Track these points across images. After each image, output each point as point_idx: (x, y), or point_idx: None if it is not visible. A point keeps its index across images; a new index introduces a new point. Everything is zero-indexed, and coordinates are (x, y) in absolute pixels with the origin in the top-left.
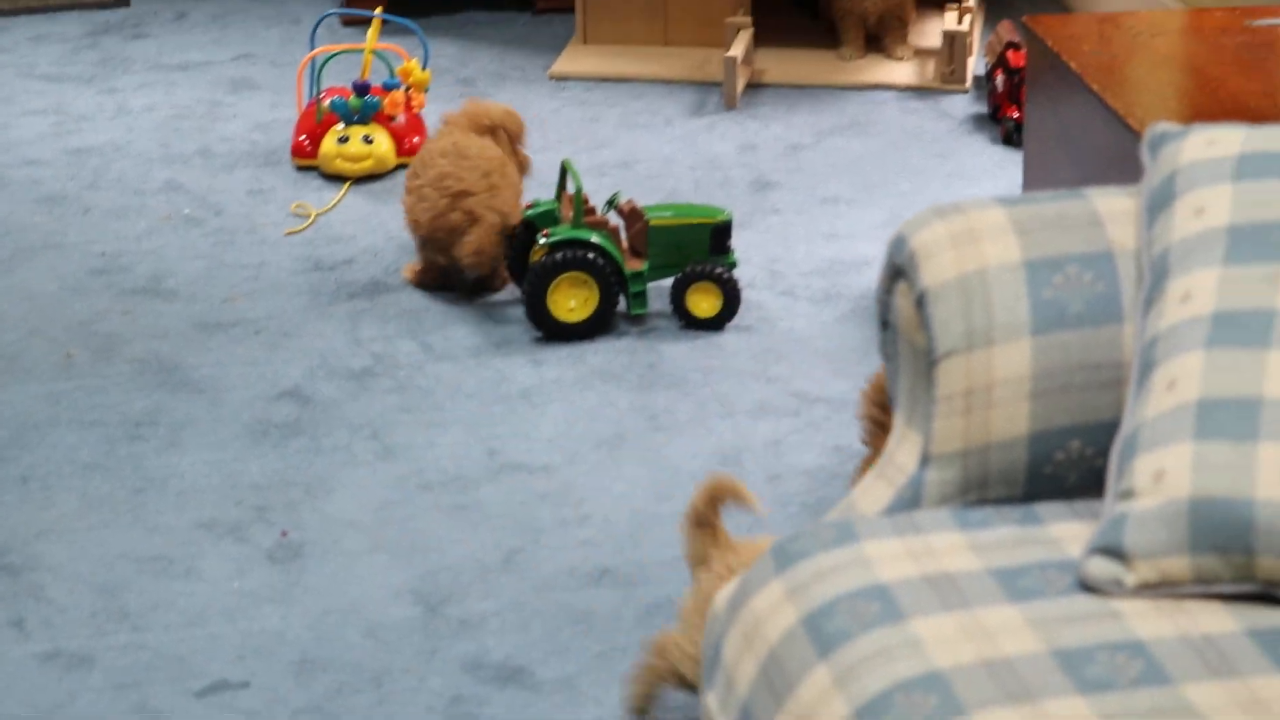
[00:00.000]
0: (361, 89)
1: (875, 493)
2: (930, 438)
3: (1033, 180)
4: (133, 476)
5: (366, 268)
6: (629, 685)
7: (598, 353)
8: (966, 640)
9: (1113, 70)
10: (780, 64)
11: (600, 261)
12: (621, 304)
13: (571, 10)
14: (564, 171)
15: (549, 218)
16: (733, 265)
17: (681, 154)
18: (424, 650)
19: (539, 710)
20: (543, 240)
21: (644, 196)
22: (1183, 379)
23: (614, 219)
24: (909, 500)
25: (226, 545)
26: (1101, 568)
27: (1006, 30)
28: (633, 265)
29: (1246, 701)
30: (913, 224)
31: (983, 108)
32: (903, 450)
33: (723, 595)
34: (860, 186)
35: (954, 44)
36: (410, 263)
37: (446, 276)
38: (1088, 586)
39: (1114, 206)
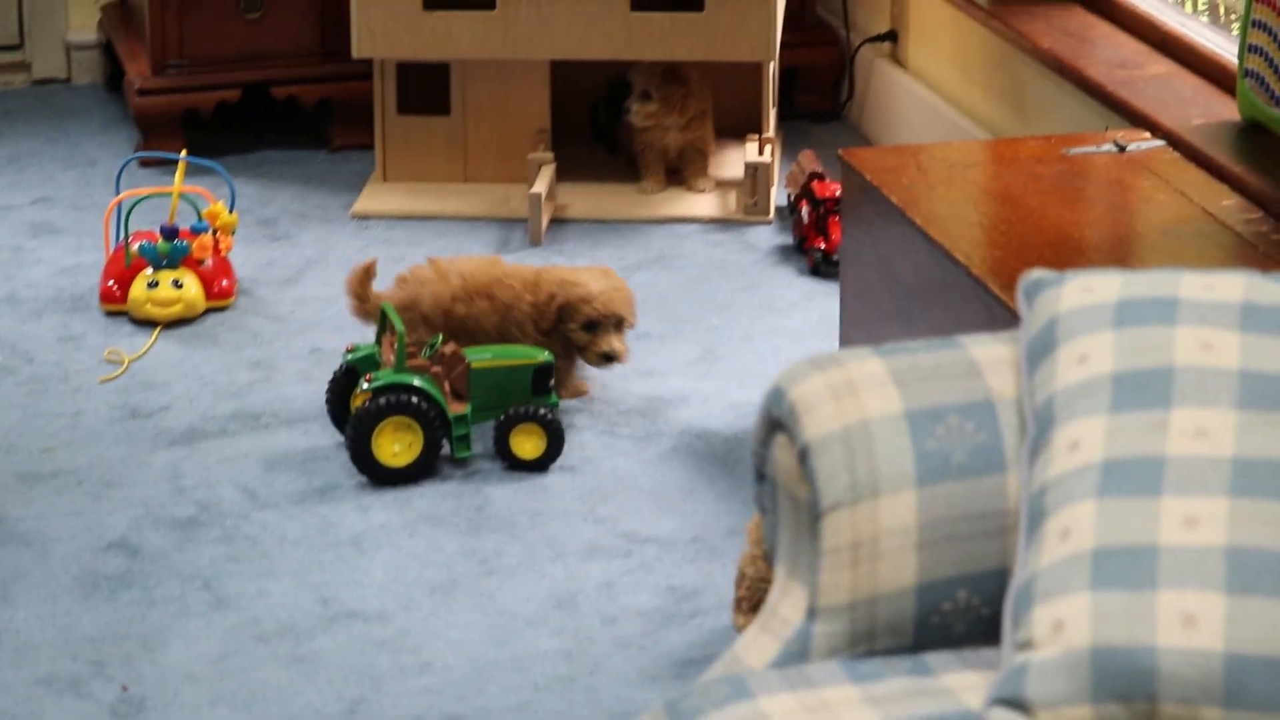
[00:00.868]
0: (170, 233)
1: (760, 646)
2: (816, 590)
3: (850, 311)
4: None
5: (183, 414)
6: None
7: (424, 497)
8: None
9: (932, 203)
10: (582, 198)
11: (424, 406)
12: (445, 447)
13: (367, 147)
14: (384, 315)
15: (370, 362)
16: (555, 405)
17: None
18: None
19: None
20: (365, 385)
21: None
22: (1076, 528)
23: (435, 363)
24: (797, 653)
25: (68, 701)
26: (1004, 718)
27: (809, 160)
28: (455, 408)
29: None
30: (789, 376)
31: (787, 239)
32: (786, 603)
33: None
34: (671, 321)
35: (757, 175)
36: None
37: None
38: None
39: (990, 354)
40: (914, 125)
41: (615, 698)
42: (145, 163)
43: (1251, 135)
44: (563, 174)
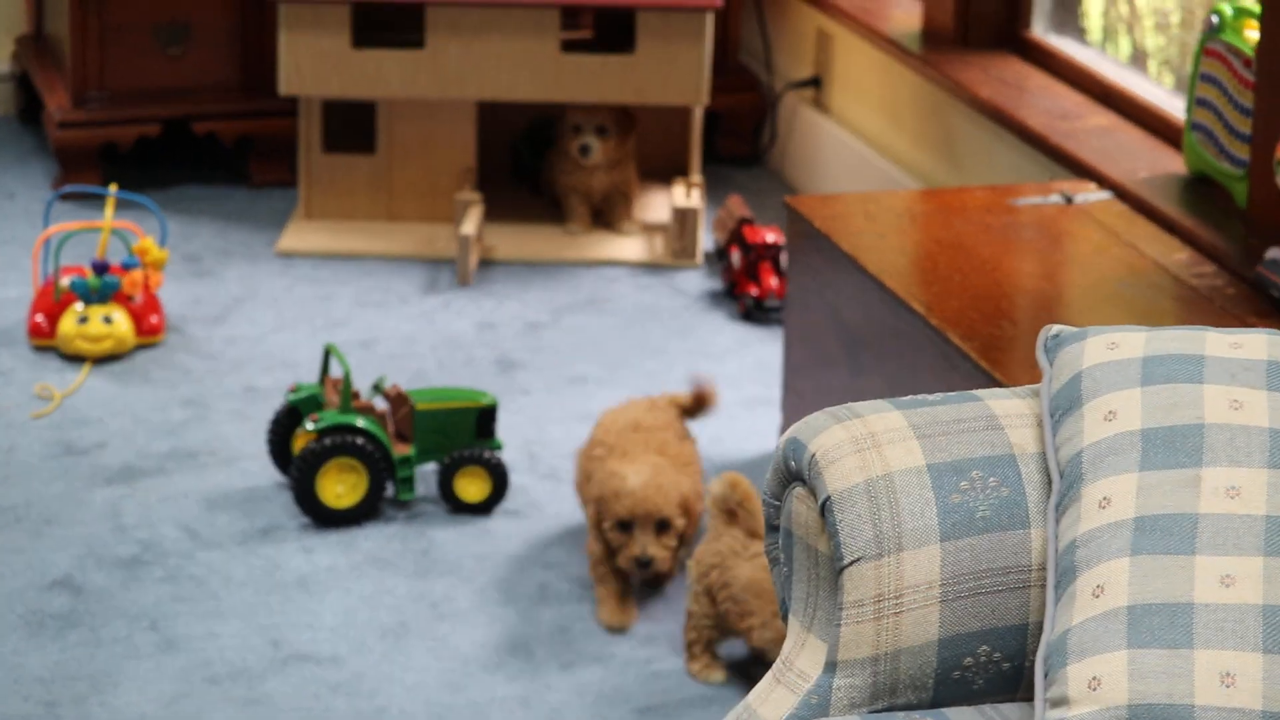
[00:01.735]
0: (100, 268)
1: (776, 699)
2: (837, 644)
3: (794, 356)
4: None
5: (119, 451)
6: None
7: (369, 539)
8: None
9: (883, 252)
10: (509, 240)
11: (369, 447)
12: (389, 489)
13: (288, 184)
14: (327, 355)
15: (313, 403)
16: (498, 449)
17: (421, 333)
18: None
19: None
20: (309, 426)
21: (389, 377)
22: (1110, 585)
23: (379, 404)
24: (816, 707)
25: None
26: None
27: (737, 205)
28: (400, 450)
29: None
30: (808, 428)
31: (716, 283)
32: (804, 656)
33: None
34: (606, 365)
35: (685, 220)
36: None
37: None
38: None
39: (1008, 408)
40: (838, 171)
41: None
42: (67, 197)
43: (1199, 188)
44: (487, 214)
